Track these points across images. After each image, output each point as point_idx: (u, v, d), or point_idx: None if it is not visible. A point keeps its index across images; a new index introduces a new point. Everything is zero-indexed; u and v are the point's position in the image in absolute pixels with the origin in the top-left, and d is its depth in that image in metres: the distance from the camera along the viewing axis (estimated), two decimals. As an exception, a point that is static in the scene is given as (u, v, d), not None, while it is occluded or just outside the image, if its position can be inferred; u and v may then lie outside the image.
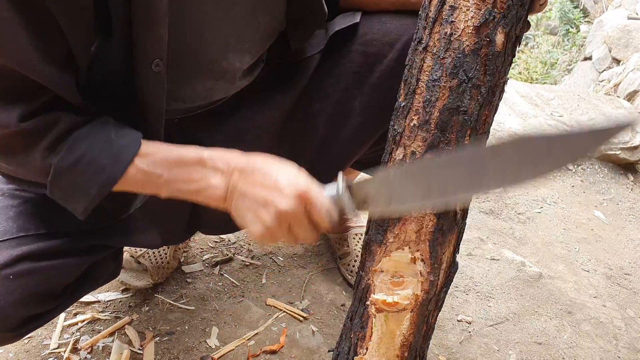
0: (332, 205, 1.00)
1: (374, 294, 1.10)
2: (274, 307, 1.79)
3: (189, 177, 1.03)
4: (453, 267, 1.15)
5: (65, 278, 1.18)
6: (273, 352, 1.64)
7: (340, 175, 1.02)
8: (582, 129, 0.84)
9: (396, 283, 1.09)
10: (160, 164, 1.02)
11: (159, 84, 1.03)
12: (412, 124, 1.02)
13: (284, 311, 1.78)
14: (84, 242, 1.19)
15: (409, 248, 1.07)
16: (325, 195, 1.01)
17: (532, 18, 9.85)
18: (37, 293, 1.12)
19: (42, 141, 0.96)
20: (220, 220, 1.52)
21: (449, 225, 1.07)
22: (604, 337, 1.97)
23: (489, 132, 1.07)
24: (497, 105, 1.05)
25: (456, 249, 1.14)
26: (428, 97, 0.99)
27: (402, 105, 1.04)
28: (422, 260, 1.07)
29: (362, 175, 1.59)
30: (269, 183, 1.00)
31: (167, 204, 1.12)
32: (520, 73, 8.42)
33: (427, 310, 1.13)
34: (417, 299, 1.08)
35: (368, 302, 1.11)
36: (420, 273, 1.08)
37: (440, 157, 0.98)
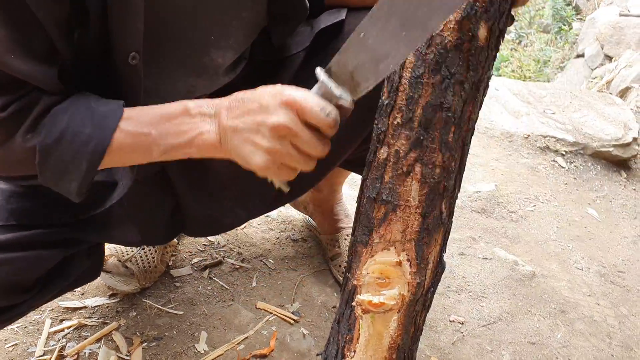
0: (323, 100, 0.92)
1: (362, 294, 1.08)
2: (264, 310, 1.77)
3: (178, 130, 0.98)
4: (440, 266, 1.13)
5: (34, 271, 1.15)
6: (263, 356, 1.62)
7: (318, 69, 0.94)
8: None
9: (382, 284, 1.07)
10: (147, 123, 0.98)
11: (136, 77, 1.01)
12: (395, 122, 1.00)
13: (275, 314, 1.75)
14: (56, 236, 1.17)
15: (395, 248, 1.05)
16: (313, 95, 0.93)
17: (525, 16, 9.87)
18: (4, 284, 1.10)
19: (22, 125, 0.94)
20: (204, 219, 1.50)
21: (435, 224, 1.06)
22: (598, 336, 1.95)
23: (473, 129, 1.05)
24: (482, 101, 1.04)
25: (443, 249, 1.12)
26: (411, 94, 0.97)
27: (385, 103, 1.02)
28: (408, 260, 1.06)
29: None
30: (254, 107, 0.94)
31: (146, 199, 1.10)
32: (513, 71, 8.43)
33: (415, 311, 1.11)
34: (404, 299, 1.06)
35: (354, 304, 1.09)
36: (407, 273, 1.06)
37: None
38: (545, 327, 1.93)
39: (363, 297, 1.07)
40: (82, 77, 1.01)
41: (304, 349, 1.66)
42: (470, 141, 1.07)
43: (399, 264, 1.05)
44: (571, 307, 2.03)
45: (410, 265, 1.06)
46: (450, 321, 1.85)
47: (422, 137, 0.99)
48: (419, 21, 0.83)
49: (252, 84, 1.33)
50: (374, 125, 1.06)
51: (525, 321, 1.93)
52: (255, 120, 0.93)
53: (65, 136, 0.95)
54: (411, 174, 1.01)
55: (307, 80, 1.35)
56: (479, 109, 1.05)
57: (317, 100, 0.91)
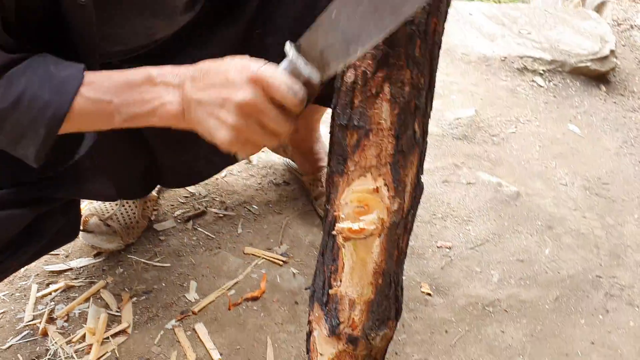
0: (291, 79, 0.91)
1: (342, 222, 1.07)
2: (252, 255, 1.76)
3: (140, 99, 0.95)
4: (418, 188, 1.11)
5: (6, 230, 1.13)
6: (255, 299, 1.63)
7: (288, 44, 0.92)
8: None
9: (362, 212, 1.06)
10: (109, 90, 0.95)
11: (88, 19, 0.97)
12: None
13: (263, 258, 1.75)
14: (26, 194, 1.15)
15: (371, 174, 1.04)
16: (281, 72, 0.91)
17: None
18: None
19: None
20: (180, 168, 1.48)
21: (409, 146, 1.03)
22: (585, 248, 1.96)
23: (440, 42, 1.02)
24: (446, 12, 1.00)
25: (420, 170, 1.10)
26: None
27: None
28: (386, 184, 1.04)
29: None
30: (220, 81, 0.91)
31: (117, 150, 1.07)
32: (487, -3, 8.29)
33: (397, 235, 1.10)
34: (384, 223, 1.05)
35: (334, 232, 1.08)
36: (385, 198, 1.04)
37: None
38: (533, 244, 1.94)
39: (343, 224, 1.06)
40: (33, 25, 0.97)
41: (294, 287, 1.67)
42: (439, 56, 1.04)
43: (377, 190, 1.04)
44: (557, 222, 2.04)
45: (387, 190, 1.04)
46: (437, 247, 1.85)
47: (388, 55, 0.95)
48: (391, 5, 0.81)
49: (212, 21, 1.30)
50: None
51: (512, 240, 1.94)
52: (220, 95, 0.91)
53: (23, 100, 0.92)
54: (380, 95, 0.98)
55: (270, 14, 1.31)
56: (444, 21, 1.02)
57: (285, 78, 0.89)
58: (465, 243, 1.89)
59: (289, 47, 0.91)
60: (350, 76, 1.00)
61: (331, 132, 1.09)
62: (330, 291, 1.15)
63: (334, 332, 1.16)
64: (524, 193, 2.14)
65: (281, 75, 0.90)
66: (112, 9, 1.06)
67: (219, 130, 0.93)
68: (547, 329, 1.67)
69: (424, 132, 1.08)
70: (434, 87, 1.06)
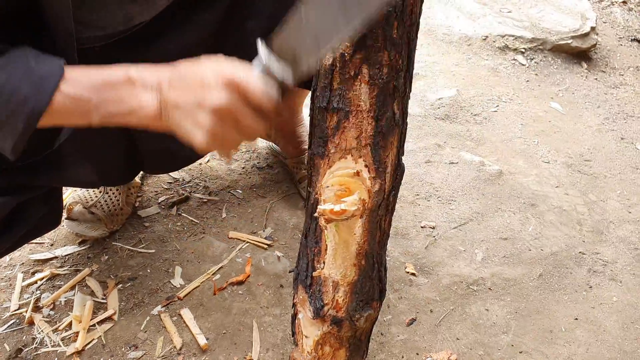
0: (265, 81, 0.92)
1: (323, 204, 1.07)
2: (237, 239, 1.77)
3: (118, 98, 0.96)
4: (399, 169, 1.12)
5: None
6: (240, 283, 1.63)
7: (258, 42, 0.93)
8: None
9: (343, 194, 1.06)
10: (88, 88, 0.95)
11: (63, 4, 0.97)
12: None
13: (247, 242, 1.76)
14: (6, 182, 1.14)
15: (352, 156, 1.04)
16: (255, 74, 0.92)
17: None
18: None
19: None
20: (162, 153, 1.47)
21: (389, 127, 1.04)
22: (568, 224, 1.98)
23: (418, 23, 1.02)
24: None
25: (400, 151, 1.10)
26: None
27: None
28: (366, 165, 1.04)
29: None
30: (195, 84, 0.92)
31: (98, 136, 1.06)
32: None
33: (379, 216, 1.11)
34: (365, 204, 1.05)
35: (316, 214, 1.08)
36: (366, 179, 1.05)
37: None
38: (516, 221, 1.95)
39: (324, 206, 1.06)
40: (6, 14, 0.96)
41: (279, 270, 1.67)
42: (417, 36, 1.04)
43: (357, 173, 1.04)
44: (540, 200, 2.06)
45: (368, 171, 1.05)
46: (421, 227, 1.86)
47: (365, 37, 0.95)
48: (357, 2, 0.82)
49: (190, 5, 1.29)
50: None
51: (495, 219, 1.95)
52: (196, 99, 0.92)
53: (2, 94, 0.92)
54: (359, 77, 0.98)
55: (247, 3, 1.30)
56: (422, 2, 1.01)
57: (259, 82, 0.91)
58: (448, 222, 1.90)
59: (260, 46, 0.92)
60: (328, 59, 1.00)
61: (311, 115, 1.09)
62: (314, 273, 1.16)
63: (318, 314, 1.17)
64: (507, 171, 2.15)
65: (256, 80, 0.91)
66: (86, 5, 1.05)
67: (195, 133, 0.94)
68: (531, 306, 1.69)
69: (404, 113, 1.08)
70: (412, 67, 1.06)
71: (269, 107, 0.93)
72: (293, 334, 1.27)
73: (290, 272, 1.63)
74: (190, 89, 0.92)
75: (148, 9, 1.20)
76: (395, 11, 0.95)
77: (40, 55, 0.96)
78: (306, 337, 1.22)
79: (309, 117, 1.11)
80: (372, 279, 1.17)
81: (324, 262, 1.14)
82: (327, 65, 1.00)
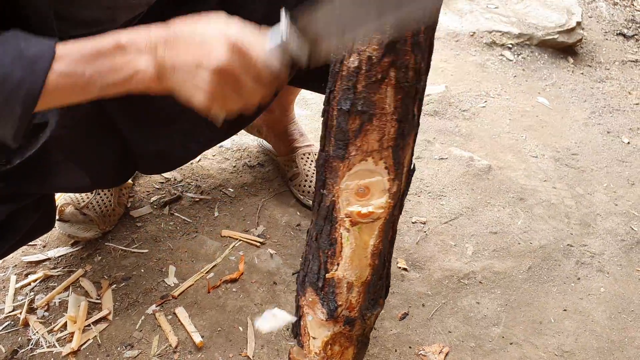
0: (276, 54, 0.92)
1: (349, 207, 1.07)
2: (230, 237, 1.78)
3: (113, 67, 0.94)
4: (412, 169, 1.12)
5: None
6: (234, 281, 1.64)
7: (283, 15, 0.91)
8: None
9: (362, 194, 1.06)
10: (80, 62, 0.93)
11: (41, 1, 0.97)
12: None
13: (240, 240, 1.77)
14: None
15: (372, 158, 1.03)
16: (263, 45, 0.91)
17: None
18: None
19: None
20: (155, 155, 1.48)
21: (409, 128, 1.04)
22: (557, 218, 2.01)
23: (436, 26, 1.04)
24: None
25: (413, 151, 1.11)
26: None
27: None
28: (386, 167, 1.04)
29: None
30: (195, 44, 0.91)
31: (86, 140, 1.07)
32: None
33: (393, 216, 1.12)
34: (389, 206, 1.06)
35: (342, 216, 1.08)
36: (385, 181, 1.05)
37: None
38: (506, 215, 1.98)
39: (352, 208, 1.06)
40: None
41: (272, 268, 1.69)
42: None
43: (378, 174, 1.04)
44: (529, 194, 2.08)
45: (388, 172, 1.04)
46: (412, 223, 1.89)
47: (395, 41, 0.95)
48: (393, 6, 0.84)
49: (180, 4, 1.28)
50: None
51: (485, 213, 1.97)
52: (195, 60, 0.91)
53: None
54: (386, 80, 0.97)
55: None
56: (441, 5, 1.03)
57: (268, 54, 0.90)
58: (439, 218, 1.93)
59: (283, 18, 0.91)
60: (353, 61, 0.98)
61: (326, 117, 1.07)
62: (327, 275, 1.15)
63: (332, 316, 1.16)
64: (496, 166, 2.18)
65: (265, 51, 0.90)
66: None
67: (195, 93, 0.94)
68: (520, 298, 1.71)
69: (419, 114, 1.08)
70: (429, 70, 1.07)
71: (272, 84, 0.93)
72: (296, 335, 1.26)
73: (293, 274, 1.65)
74: (188, 50, 0.92)
75: (132, 10, 1.20)
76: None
77: (30, 37, 0.94)
78: (314, 338, 1.21)
79: (323, 119, 1.09)
80: (381, 277, 1.18)
81: (338, 264, 1.13)
82: (351, 67, 0.99)
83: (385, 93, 0.98)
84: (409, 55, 0.97)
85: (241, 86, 0.92)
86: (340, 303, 1.16)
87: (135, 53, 0.94)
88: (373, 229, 1.09)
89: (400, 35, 0.94)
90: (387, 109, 0.99)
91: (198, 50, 0.91)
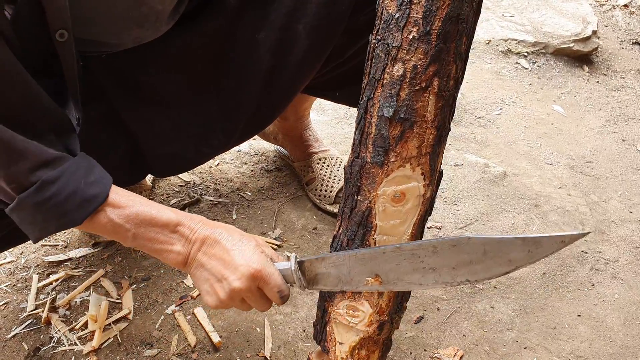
0: (284, 283, 1.08)
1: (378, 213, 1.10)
2: (247, 240, 1.80)
3: (154, 238, 1.06)
4: (440, 174, 1.14)
5: None
6: (251, 283, 1.66)
7: (292, 259, 1.08)
8: (519, 239, 0.94)
9: (397, 200, 1.08)
10: (131, 219, 1.04)
11: (68, 53, 1.02)
12: (410, 37, 0.98)
13: (257, 243, 1.79)
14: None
15: (410, 164, 1.05)
16: (278, 275, 1.07)
17: None
18: None
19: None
20: (167, 157, 1.50)
21: (445, 135, 1.06)
22: (571, 224, 2.02)
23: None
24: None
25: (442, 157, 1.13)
26: (429, 6, 0.96)
27: (395, 17, 0.99)
28: (423, 173, 1.06)
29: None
30: (226, 259, 1.05)
31: (95, 141, 1.12)
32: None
33: (424, 220, 1.13)
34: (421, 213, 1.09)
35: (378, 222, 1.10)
36: (421, 186, 1.07)
37: (387, 248, 1.03)
38: (520, 222, 1.99)
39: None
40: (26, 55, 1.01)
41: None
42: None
43: (414, 179, 1.06)
44: (544, 200, 2.09)
45: (424, 178, 1.06)
46: (427, 228, 1.90)
47: (441, 51, 0.97)
48: (385, 279, 1.04)
49: (199, 17, 1.31)
50: (376, 42, 1.02)
51: (500, 219, 1.99)
52: (221, 272, 1.06)
53: (45, 206, 0.98)
54: (429, 89, 0.99)
55: (263, 9, 1.33)
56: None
57: (280, 282, 1.07)
58: (454, 223, 1.94)
59: (293, 260, 1.09)
60: (398, 69, 0.99)
61: (363, 123, 1.08)
62: None
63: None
64: (511, 173, 2.19)
65: (278, 280, 1.07)
66: (97, 28, 1.11)
67: (209, 295, 1.09)
68: (535, 303, 1.73)
69: (451, 120, 1.11)
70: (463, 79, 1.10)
71: (277, 302, 1.09)
72: (320, 341, 1.25)
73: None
74: (219, 260, 1.06)
75: (157, 31, 1.23)
76: (467, 27, 0.98)
77: (91, 171, 1.03)
78: (340, 343, 1.20)
79: (356, 125, 1.09)
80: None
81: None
82: (395, 76, 1.00)
83: (427, 101, 1.00)
84: (451, 65, 0.99)
85: (249, 300, 1.09)
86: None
87: (178, 237, 1.07)
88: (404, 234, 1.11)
89: (446, 45, 0.98)
90: (427, 117, 1.01)
91: (225, 265, 1.06)
